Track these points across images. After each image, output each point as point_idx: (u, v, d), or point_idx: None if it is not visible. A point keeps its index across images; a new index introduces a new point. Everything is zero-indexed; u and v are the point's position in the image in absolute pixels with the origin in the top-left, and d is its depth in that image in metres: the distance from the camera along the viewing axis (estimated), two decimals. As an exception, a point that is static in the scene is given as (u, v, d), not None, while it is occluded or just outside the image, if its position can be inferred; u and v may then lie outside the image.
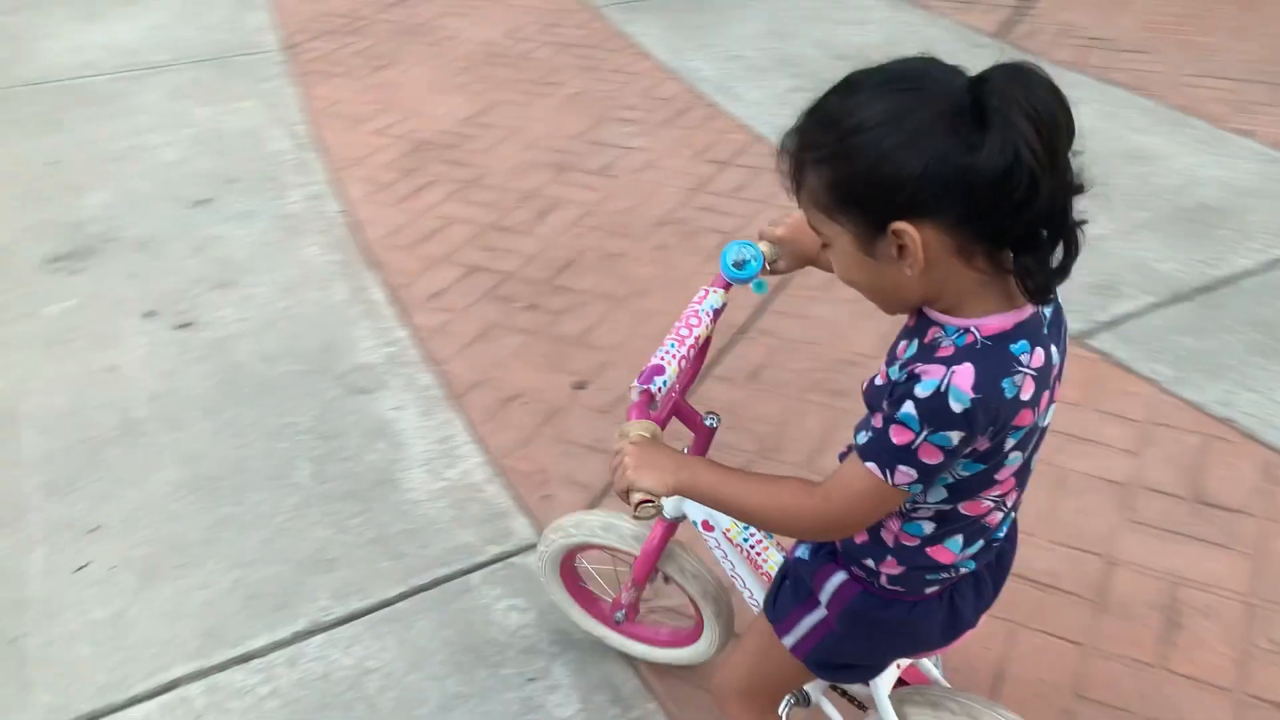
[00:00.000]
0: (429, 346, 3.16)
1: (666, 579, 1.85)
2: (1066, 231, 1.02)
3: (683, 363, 1.45)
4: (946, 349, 1.06)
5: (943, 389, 1.03)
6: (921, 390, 1.04)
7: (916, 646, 1.44)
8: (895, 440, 1.08)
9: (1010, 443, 1.12)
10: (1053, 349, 1.11)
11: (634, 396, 1.39)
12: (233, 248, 3.73)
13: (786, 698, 1.59)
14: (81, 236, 3.83)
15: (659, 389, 1.41)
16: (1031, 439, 1.16)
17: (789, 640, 1.43)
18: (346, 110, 4.82)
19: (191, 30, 5.90)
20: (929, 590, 1.31)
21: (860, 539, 1.30)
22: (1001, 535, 1.31)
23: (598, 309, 3.31)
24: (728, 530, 1.67)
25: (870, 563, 1.31)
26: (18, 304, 3.45)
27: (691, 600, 1.87)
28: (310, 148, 4.46)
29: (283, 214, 3.94)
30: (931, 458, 1.07)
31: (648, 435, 1.29)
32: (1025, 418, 1.09)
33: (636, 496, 1.23)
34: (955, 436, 1.05)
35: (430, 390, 2.97)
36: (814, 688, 1.62)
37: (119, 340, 3.24)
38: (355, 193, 4.06)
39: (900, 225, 1.02)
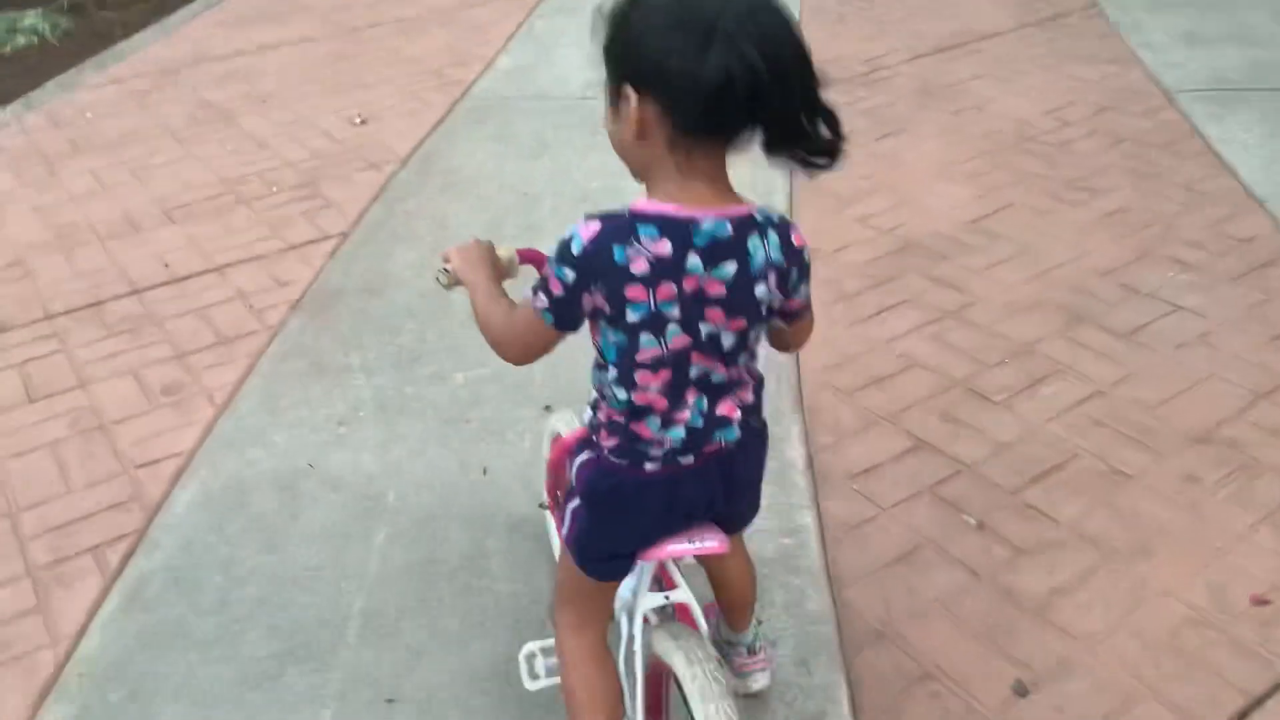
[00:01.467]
0: (833, 555, 2.43)
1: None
2: (810, 123, 1.32)
3: None
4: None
5: (570, 235, 1.33)
6: (563, 235, 1.34)
7: (645, 527, 1.56)
8: (542, 271, 1.38)
9: (632, 315, 1.35)
10: (705, 263, 1.33)
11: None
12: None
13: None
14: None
15: None
16: (664, 328, 1.36)
17: (564, 532, 1.63)
18: (835, 183, 4.16)
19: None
20: (648, 466, 1.49)
21: (591, 419, 1.54)
22: (715, 432, 1.48)
23: (1078, 560, 2.37)
24: None
25: (595, 438, 1.53)
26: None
27: None
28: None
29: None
30: (556, 288, 1.36)
31: (491, 245, 1.67)
32: (637, 293, 1.33)
33: (439, 263, 1.65)
34: (569, 274, 1.33)
35: (816, 627, 2.24)
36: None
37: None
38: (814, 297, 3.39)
39: (626, 87, 1.29)
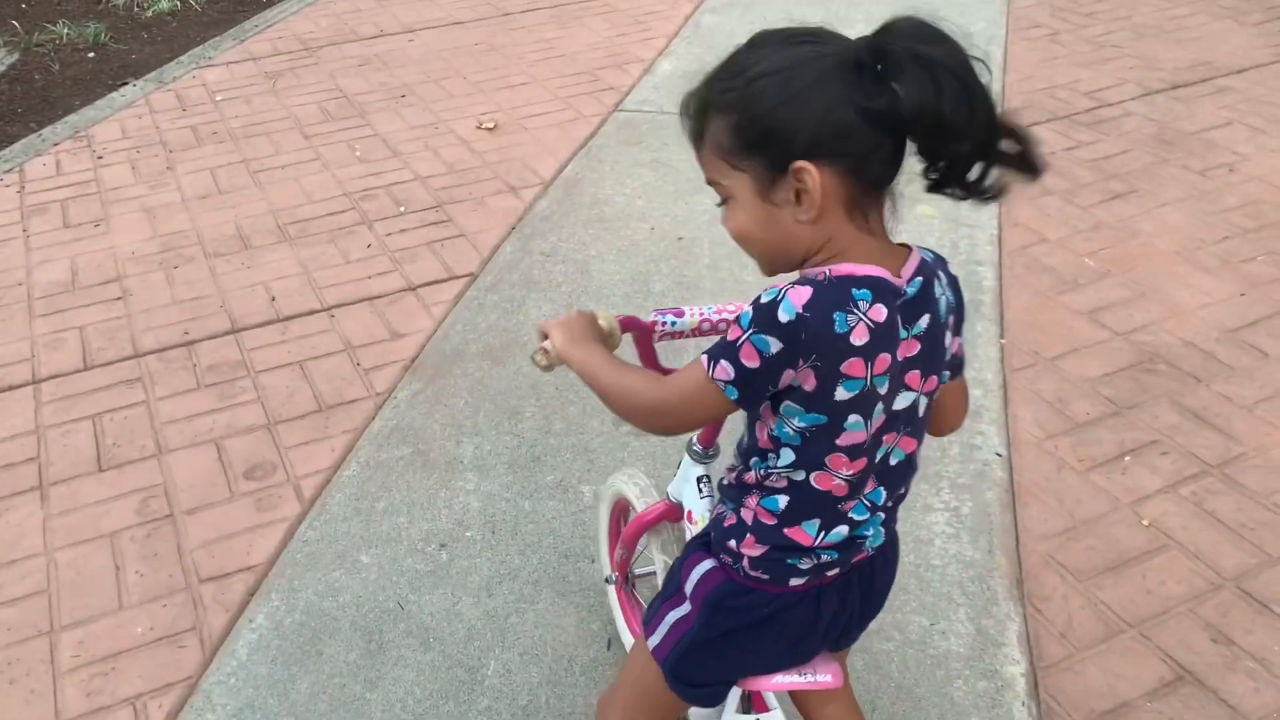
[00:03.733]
0: None
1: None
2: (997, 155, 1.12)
3: (704, 325, 1.53)
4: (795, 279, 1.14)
5: (777, 299, 1.10)
6: (762, 299, 1.11)
7: (775, 649, 1.37)
8: (728, 338, 1.14)
9: (843, 394, 1.14)
10: (903, 322, 1.16)
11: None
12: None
13: None
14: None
15: (665, 324, 1.52)
16: (873, 407, 1.17)
17: (653, 641, 1.43)
18: (1052, 259, 3.44)
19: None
20: (794, 582, 1.30)
21: (727, 521, 1.32)
22: (868, 535, 1.30)
23: None
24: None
25: (733, 544, 1.31)
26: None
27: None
28: (986, 313, 3.18)
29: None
30: (749, 359, 1.12)
31: (594, 315, 1.41)
32: (855, 367, 1.13)
33: (538, 340, 1.41)
34: (774, 344, 1.10)
35: None
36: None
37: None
38: (1025, 424, 2.72)
39: (801, 163, 1.09)
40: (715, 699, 1.46)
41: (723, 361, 1.15)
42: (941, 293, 1.22)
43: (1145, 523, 2.41)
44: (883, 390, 1.18)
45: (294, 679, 2.12)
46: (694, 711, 1.58)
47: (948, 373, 1.29)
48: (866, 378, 1.15)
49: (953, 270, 1.27)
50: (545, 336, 1.40)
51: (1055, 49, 5.14)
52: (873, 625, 1.93)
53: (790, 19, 1.20)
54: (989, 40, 5.25)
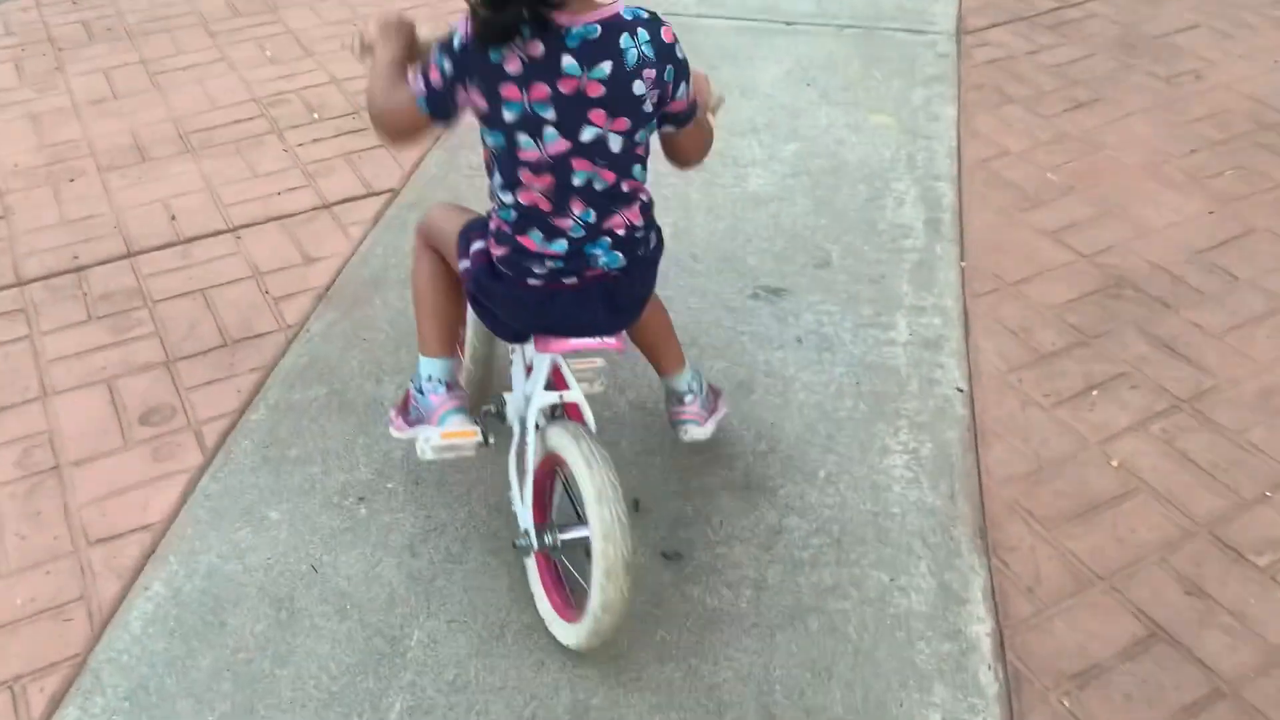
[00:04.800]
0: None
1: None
2: None
3: None
4: None
5: (455, 30, 1.46)
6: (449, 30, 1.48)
7: (520, 319, 1.72)
8: (426, 61, 1.52)
9: (509, 115, 1.47)
10: (581, 64, 1.44)
11: None
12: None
13: (484, 407, 2.02)
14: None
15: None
16: (540, 130, 1.48)
17: (461, 265, 1.76)
18: (1014, 173, 3.24)
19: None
20: (531, 281, 1.62)
21: (491, 226, 1.67)
22: (597, 254, 1.61)
23: None
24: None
25: (489, 245, 1.66)
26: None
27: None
28: (946, 233, 2.98)
29: (865, 358, 2.55)
30: (434, 78, 1.49)
31: (411, 24, 1.67)
32: (512, 92, 1.45)
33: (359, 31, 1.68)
34: (449, 66, 1.47)
35: None
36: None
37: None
38: (988, 355, 2.55)
39: None
40: (502, 334, 1.83)
41: (419, 77, 1.50)
42: (631, 45, 1.46)
43: (1114, 464, 2.27)
44: (548, 117, 1.46)
45: (194, 655, 1.92)
46: (511, 402, 1.94)
47: (667, 125, 1.62)
48: (524, 102, 1.45)
49: (666, 33, 1.51)
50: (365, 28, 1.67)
51: (1015, -57, 4.86)
52: (828, 581, 1.79)
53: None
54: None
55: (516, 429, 1.90)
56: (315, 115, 3.58)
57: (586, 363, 2.00)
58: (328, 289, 2.80)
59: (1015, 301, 2.73)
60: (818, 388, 2.47)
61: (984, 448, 2.31)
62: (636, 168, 1.60)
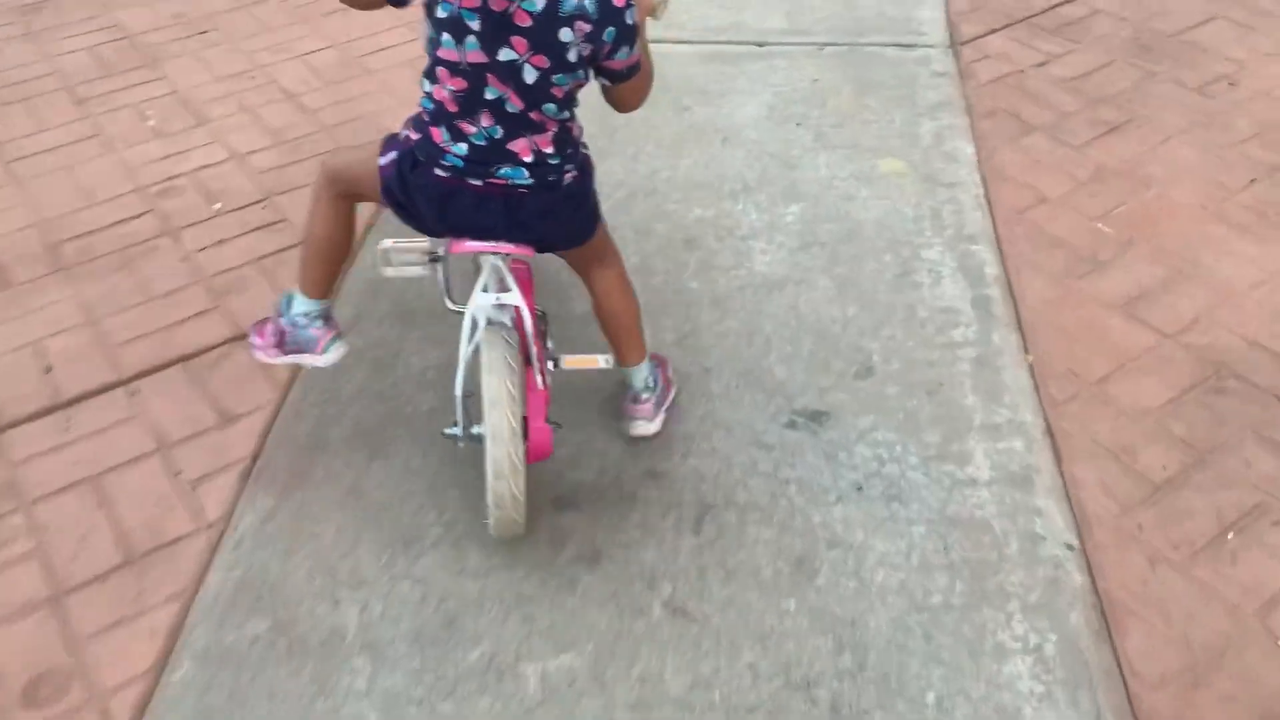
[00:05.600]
0: None
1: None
2: None
3: None
4: None
5: None
6: None
7: (426, 213, 1.77)
8: None
9: (440, 13, 1.52)
10: None
11: None
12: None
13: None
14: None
15: None
16: (464, 36, 1.53)
17: (382, 160, 1.79)
18: (1058, 226, 2.77)
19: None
20: (438, 172, 1.68)
21: (414, 114, 1.74)
22: (503, 169, 1.67)
23: None
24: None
25: (409, 130, 1.73)
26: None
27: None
28: (999, 314, 2.50)
29: (946, 509, 2.06)
30: None
31: None
32: None
33: None
34: None
35: None
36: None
37: None
38: (1090, 490, 2.08)
39: None
40: (414, 225, 1.84)
41: None
42: None
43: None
44: (474, 26, 1.52)
45: None
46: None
47: (603, 79, 1.69)
48: (455, 3, 1.51)
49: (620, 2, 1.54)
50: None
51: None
52: None
53: None
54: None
55: (466, 325, 1.86)
56: (217, 206, 2.95)
57: (588, 360, 2.07)
58: (254, 461, 2.21)
59: (1104, 408, 2.25)
60: (897, 560, 1.96)
61: (1119, 634, 1.83)
62: (550, 106, 1.61)
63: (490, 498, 1.80)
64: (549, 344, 2.07)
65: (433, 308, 2.53)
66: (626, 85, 1.71)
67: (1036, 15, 3.73)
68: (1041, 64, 3.46)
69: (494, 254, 1.81)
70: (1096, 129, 3.13)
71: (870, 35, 3.67)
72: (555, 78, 1.57)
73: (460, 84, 1.58)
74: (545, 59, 1.55)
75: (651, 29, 1.78)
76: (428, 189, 1.71)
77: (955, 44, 3.59)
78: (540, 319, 2.00)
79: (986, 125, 3.16)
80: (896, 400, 2.29)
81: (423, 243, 2.04)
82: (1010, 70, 3.42)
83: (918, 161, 3.02)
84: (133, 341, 2.52)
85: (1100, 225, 2.77)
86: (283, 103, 3.39)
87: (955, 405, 2.27)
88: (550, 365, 2.03)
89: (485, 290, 1.84)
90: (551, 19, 1.50)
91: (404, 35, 3.71)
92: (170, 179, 3.07)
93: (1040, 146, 3.07)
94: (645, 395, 2.12)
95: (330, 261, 2.00)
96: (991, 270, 2.63)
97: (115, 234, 2.86)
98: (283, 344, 2.09)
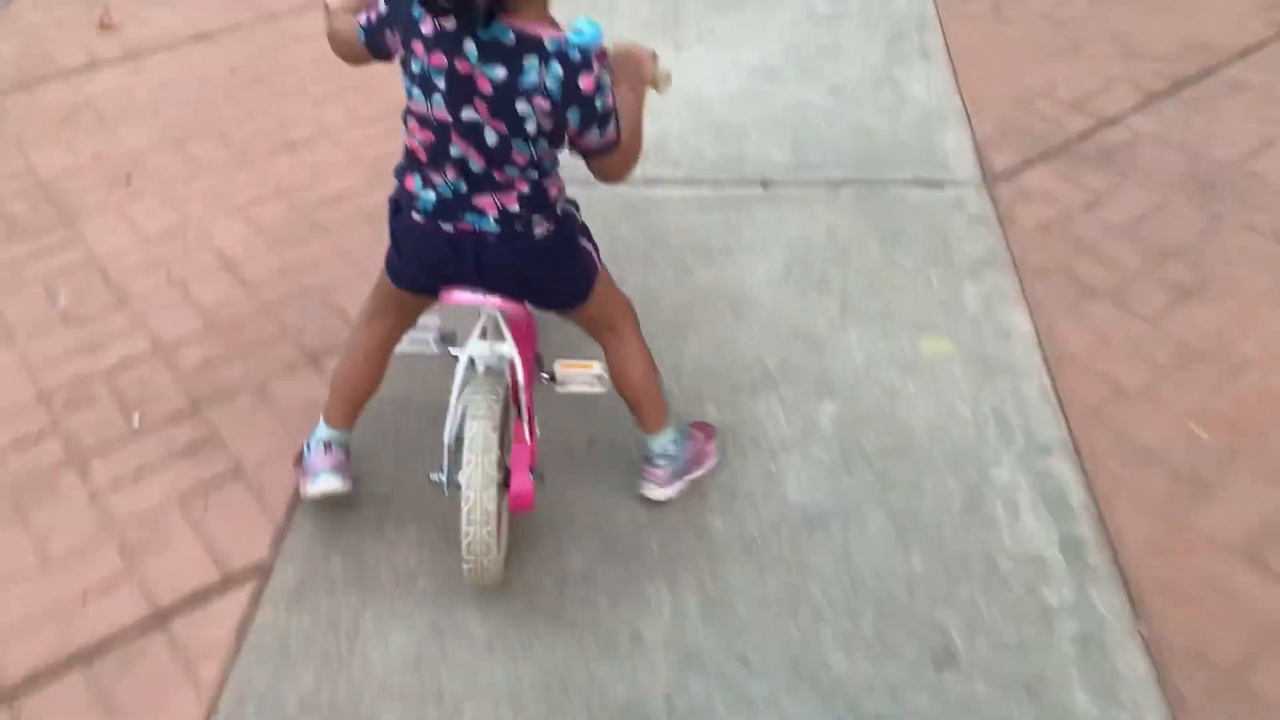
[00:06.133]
0: None
1: None
2: None
3: None
4: None
5: None
6: None
7: (414, 263, 1.81)
8: None
9: (414, 67, 1.57)
10: (479, 58, 1.51)
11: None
12: None
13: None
14: None
15: None
16: (431, 92, 1.57)
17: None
18: (1146, 432, 2.33)
19: (819, 92, 3.58)
20: (415, 216, 1.72)
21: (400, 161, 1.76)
22: (468, 218, 1.68)
23: None
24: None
25: (396, 179, 1.76)
26: None
27: None
28: (1097, 567, 2.05)
29: None
30: (371, 14, 1.64)
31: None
32: (419, 49, 1.55)
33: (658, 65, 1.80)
34: (382, 6, 1.60)
35: None
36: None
37: None
38: None
39: None
40: (404, 285, 1.87)
41: (366, 12, 1.65)
42: (535, 69, 1.50)
43: None
44: (440, 84, 1.55)
45: None
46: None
47: (569, 145, 1.65)
48: (425, 60, 1.55)
49: (585, 82, 1.52)
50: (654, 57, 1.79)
51: (1004, 31, 3.98)
52: None
53: None
54: (919, 23, 4.04)
55: (460, 370, 1.88)
56: (136, 421, 2.45)
57: (583, 365, 2.09)
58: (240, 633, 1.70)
59: (1245, 704, 1.78)
60: None
61: None
62: (511, 169, 1.63)
63: (464, 544, 1.80)
64: (541, 367, 2.14)
65: (393, 558, 2.05)
66: (602, 161, 1.70)
67: (1075, 142, 3.32)
68: (1090, 205, 3.03)
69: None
70: (1168, 293, 2.70)
71: (890, 170, 3.24)
72: (515, 143, 1.59)
73: (428, 136, 1.63)
74: (504, 126, 1.57)
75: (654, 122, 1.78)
76: (408, 234, 1.75)
77: (989, 180, 3.16)
78: (537, 363, 2.10)
79: (1040, 289, 2.72)
80: (990, 705, 1.81)
81: (434, 318, 2.08)
82: (1056, 214, 3.00)
83: (966, 339, 2.57)
84: (22, 638, 1.99)
85: (1194, 428, 2.32)
86: (218, 273, 2.90)
87: (1064, 711, 1.80)
88: (545, 378, 2.11)
89: (482, 337, 1.89)
90: (510, 90, 1.52)
91: (363, 179, 3.23)
92: (80, 383, 2.57)
93: (1106, 317, 2.63)
94: (662, 462, 2.09)
95: (352, 392, 2.04)
96: (1077, 497, 2.18)
97: (6, 467, 2.34)
98: (300, 459, 2.10)
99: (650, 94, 1.83)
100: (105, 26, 4.20)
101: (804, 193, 3.16)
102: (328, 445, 2.04)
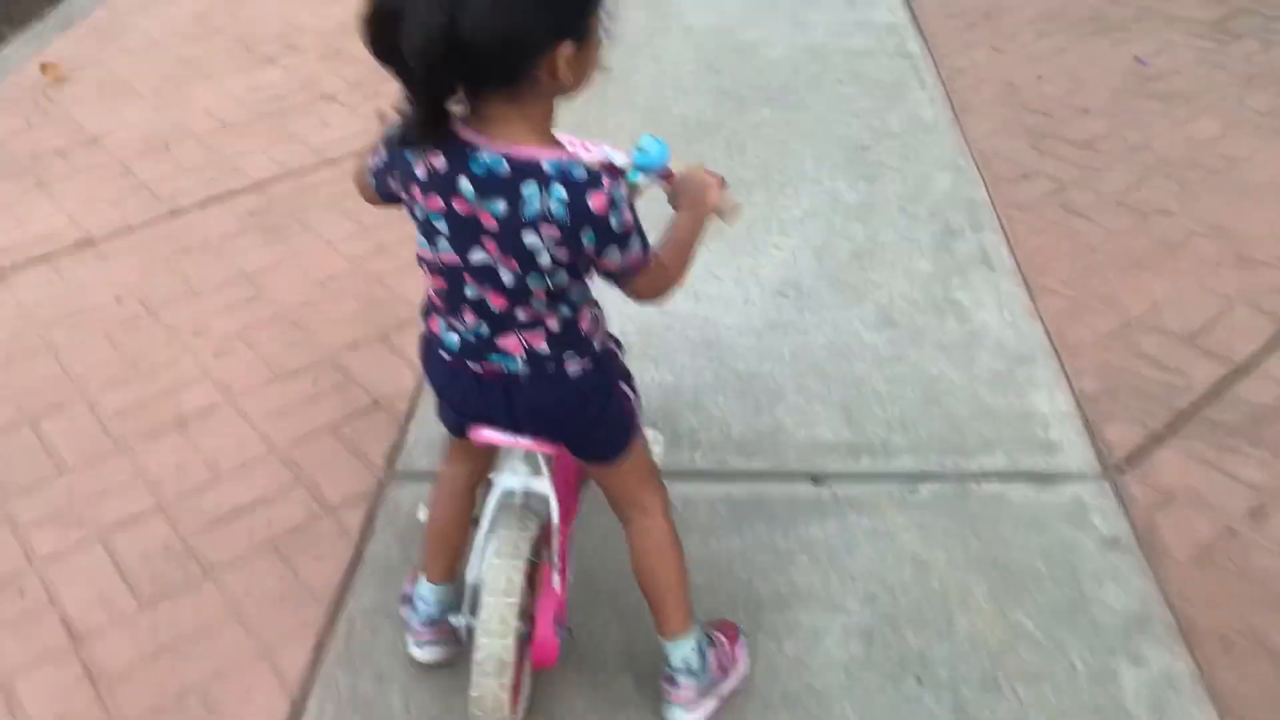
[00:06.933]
0: None
1: None
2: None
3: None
4: None
5: (393, 128, 1.45)
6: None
7: (442, 397, 1.71)
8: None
9: (417, 214, 1.45)
10: (478, 193, 1.37)
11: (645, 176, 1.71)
12: None
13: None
14: None
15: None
16: (435, 237, 1.44)
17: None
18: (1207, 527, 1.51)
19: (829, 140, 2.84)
20: (445, 355, 1.60)
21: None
22: (495, 358, 1.55)
23: None
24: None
25: (423, 322, 1.65)
26: None
27: None
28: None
29: None
30: (375, 159, 1.52)
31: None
32: (416, 194, 1.43)
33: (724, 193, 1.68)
34: (383, 152, 1.50)
35: None
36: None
37: None
38: None
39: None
40: (451, 428, 1.76)
41: (371, 156, 1.53)
42: (536, 196, 1.35)
43: None
44: (441, 229, 1.43)
45: None
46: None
47: (594, 270, 1.50)
48: (423, 205, 1.43)
49: (596, 201, 1.35)
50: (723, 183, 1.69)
51: (1077, 225, 3.27)
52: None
53: None
54: (971, 214, 3.32)
55: (490, 503, 1.76)
56: None
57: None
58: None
59: None
60: None
61: None
62: (538, 302, 1.48)
63: (472, 696, 1.68)
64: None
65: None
66: (633, 283, 1.52)
67: (1205, 404, 2.57)
68: (1257, 511, 2.27)
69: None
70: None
71: (978, 453, 2.47)
72: (530, 278, 1.43)
73: (440, 283, 1.52)
74: (516, 263, 1.42)
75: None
76: (439, 371, 1.65)
77: (1109, 468, 2.40)
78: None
79: (1211, 651, 1.94)
80: None
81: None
82: (1212, 529, 2.24)
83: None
84: None
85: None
86: (94, 609, 2.05)
87: None
88: None
89: (517, 470, 1.76)
90: (515, 223, 1.38)
91: (275, 484, 2.40)
92: None
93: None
94: (683, 679, 1.82)
95: (442, 539, 1.91)
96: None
97: None
98: (408, 597, 2.00)
99: (717, 223, 1.70)
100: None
101: (870, 492, 2.39)
102: (432, 621, 1.93)
